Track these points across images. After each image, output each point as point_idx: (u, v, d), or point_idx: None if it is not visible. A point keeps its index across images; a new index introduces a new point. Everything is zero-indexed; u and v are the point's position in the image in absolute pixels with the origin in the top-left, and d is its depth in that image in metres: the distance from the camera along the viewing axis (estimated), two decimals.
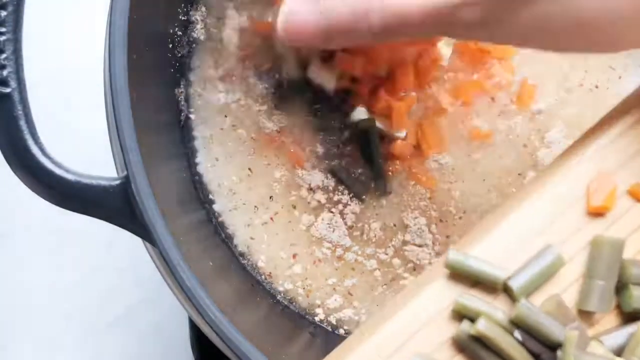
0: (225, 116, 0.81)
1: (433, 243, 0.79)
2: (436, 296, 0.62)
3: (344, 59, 0.77)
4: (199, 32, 0.82)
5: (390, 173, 0.80)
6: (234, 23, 0.81)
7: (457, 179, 0.80)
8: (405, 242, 0.79)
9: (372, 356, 0.60)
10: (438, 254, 0.79)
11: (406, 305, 0.62)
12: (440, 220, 0.80)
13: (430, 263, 0.79)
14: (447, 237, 0.80)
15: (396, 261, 0.79)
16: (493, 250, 0.62)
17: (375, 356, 0.60)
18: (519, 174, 0.80)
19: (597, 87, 0.81)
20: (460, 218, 0.80)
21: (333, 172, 0.80)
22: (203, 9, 0.82)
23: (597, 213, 0.62)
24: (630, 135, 0.64)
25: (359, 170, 0.80)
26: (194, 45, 0.82)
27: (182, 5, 0.81)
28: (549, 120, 0.81)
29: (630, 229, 0.62)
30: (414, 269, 0.79)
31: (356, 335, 0.64)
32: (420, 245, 0.79)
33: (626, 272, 0.60)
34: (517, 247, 0.62)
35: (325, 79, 0.79)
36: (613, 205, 0.62)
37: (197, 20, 0.82)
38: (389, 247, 0.80)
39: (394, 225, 0.80)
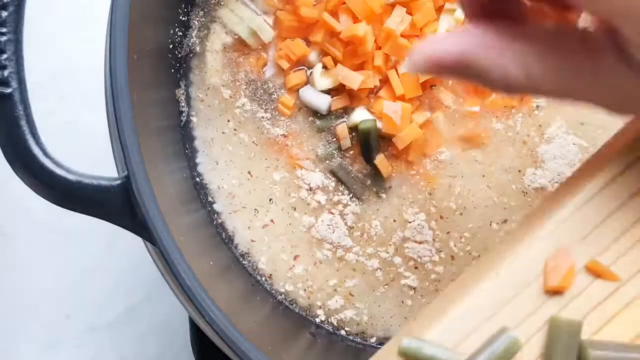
0: (228, 120, 0.81)
1: (434, 240, 0.80)
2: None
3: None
4: (197, 34, 0.82)
5: (390, 171, 0.80)
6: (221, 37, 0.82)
7: (456, 174, 0.80)
8: (405, 239, 0.79)
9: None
10: (439, 251, 0.79)
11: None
12: (441, 217, 0.80)
13: (431, 260, 0.79)
14: (448, 233, 0.80)
15: (397, 260, 0.79)
16: (448, 332, 0.60)
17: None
18: (518, 171, 0.80)
19: None
20: (460, 214, 0.80)
21: (333, 172, 0.80)
22: (201, 12, 0.82)
23: (554, 292, 0.60)
24: (589, 208, 0.62)
25: (357, 168, 0.81)
26: (194, 46, 0.82)
27: (183, 5, 0.81)
28: (549, 116, 0.81)
29: (589, 307, 0.60)
30: (416, 267, 0.80)
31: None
32: (420, 242, 0.79)
33: (584, 354, 0.58)
34: (473, 329, 0.60)
35: (319, 101, 0.80)
36: (570, 284, 0.60)
37: (195, 25, 0.82)
38: (390, 245, 0.80)
39: (394, 220, 0.80)
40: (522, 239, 0.63)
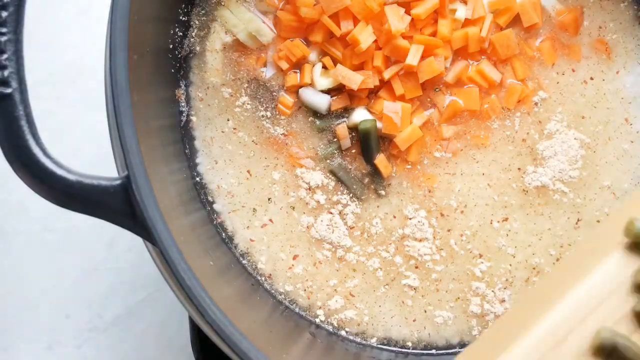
0: (228, 120, 0.81)
1: (434, 237, 0.80)
2: (613, 270, 0.57)
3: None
4: (197, 33, 0.82)
5: (390, 171, 0.80)
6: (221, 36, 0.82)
7: (455, 172, 0.80)
8: (405, 237, 0.79)
9: (546, 341, 0.56)
10: (439, 249, 0.79)
11: (577, 284, 0.57)
12: (441, 214, 0.80)
13: (432, 259, 0.79)
14: (448, 231, 0.80)
15: (398, 259, 0.79)
16: None
17: (550, 339, 0.56)
18: (518, 169, 0.80)
19: (592, 78, 0.82)
20: (461, 212, 0.80)
21: (333, 172, 0.80)
22: (202, 12, 0.82)
23: None
24: None
25: (357, 167, 0.80)
26: (194, 46, 0.82)
27: (183, 5, 0.81)
28: (549, 110, 0.81)
29: None
30: (416, 267, 0.80)
31: (507, 321, 0.58)
32: (420, 240, 0.79)
33: None
34: None
35: (319, 101, 0.80)
36: None
37: (195, 24, 0.82)
38: (390, 243, 0.80)
39: (394, 217, 0.80)
40: None
